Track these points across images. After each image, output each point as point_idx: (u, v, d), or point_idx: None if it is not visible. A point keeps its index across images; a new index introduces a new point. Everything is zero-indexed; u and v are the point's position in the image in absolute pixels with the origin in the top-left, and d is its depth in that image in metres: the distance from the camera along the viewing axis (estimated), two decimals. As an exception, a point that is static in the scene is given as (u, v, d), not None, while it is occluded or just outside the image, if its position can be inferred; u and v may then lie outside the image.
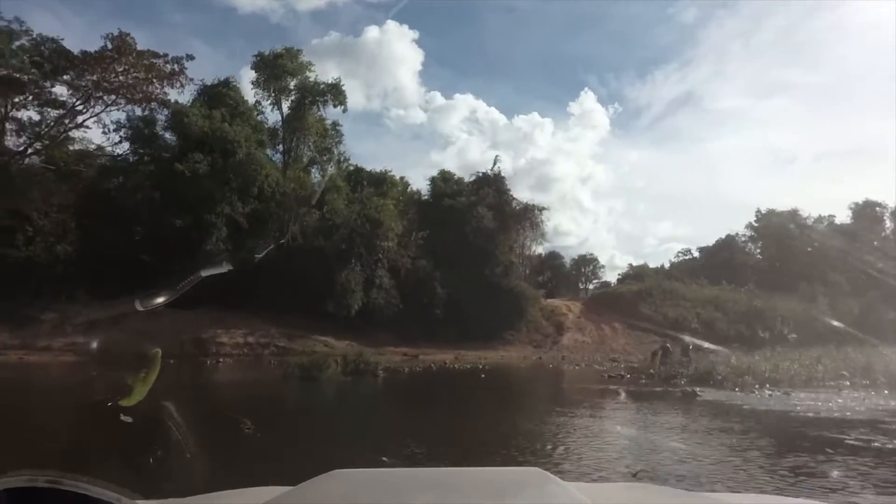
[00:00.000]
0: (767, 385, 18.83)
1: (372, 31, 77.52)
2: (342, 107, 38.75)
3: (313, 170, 38.38)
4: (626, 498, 1.95)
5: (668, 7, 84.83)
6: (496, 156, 47.66)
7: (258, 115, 38.79)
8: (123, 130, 33.27)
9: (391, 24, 73.63)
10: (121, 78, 33.72)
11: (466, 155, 76.73)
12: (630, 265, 67.47)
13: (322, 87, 37.99)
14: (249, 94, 37.77)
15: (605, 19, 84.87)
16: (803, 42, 78.64)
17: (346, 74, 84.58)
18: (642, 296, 49.40)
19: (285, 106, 38.29)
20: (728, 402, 15.09)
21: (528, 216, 45.27)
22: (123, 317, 31.10)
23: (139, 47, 32.53)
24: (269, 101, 38.34)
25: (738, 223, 67.65)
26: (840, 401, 15.49)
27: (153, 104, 34.35)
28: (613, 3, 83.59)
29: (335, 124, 39.43)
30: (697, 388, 17.65)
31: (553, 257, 66.25)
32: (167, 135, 33.52)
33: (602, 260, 72.27)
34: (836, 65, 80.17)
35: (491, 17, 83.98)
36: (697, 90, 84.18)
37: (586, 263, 70.70)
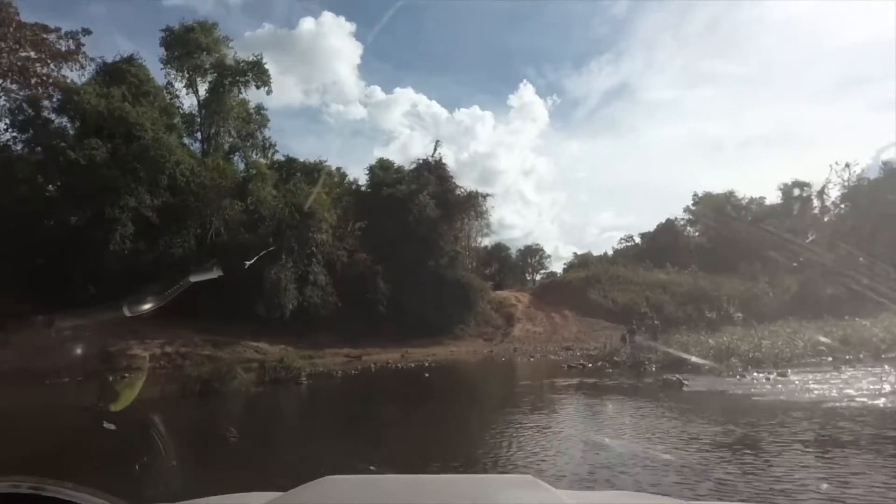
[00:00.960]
0: (751, 366, 16.68)
1: (307, 24, 75.42)
2: (266, 88, 34.76)
3: (236, 157, 34.16)
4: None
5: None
6: (436, 141, 44.57)
7: (171, 98, 34.23)
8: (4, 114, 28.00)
9: (327, 16, 70.43)
10: (3, 57, 28.64)
11: (409, 150, 74.22)
12: (575, 254, 67.04)
13: (242, 65, 33.84)
14: (160, 74, 33.16)
15: (542, 11, 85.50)
16: (728, 34, 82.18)
17: (283, 70, 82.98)
18: (590, 282, 47.73)
19: (202, 88, 33.94)
20: (727, 392, 12.66)
21: (473, 204, 42.46)
22: (16, 330, 26.43)
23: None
24: (183, 84, 33.87)
25: (674, 209, 68.36)
26: (846, 379, 13.34)
27: (49, 88, 29.39)
28: None
29: (259, 108, 35.36)
30: (678, 376, 15.14)
31: (499, 249, 64.19)
32: (60, 119, 28.46)
33: (547, 251, 71.05)
34: (758, 56, 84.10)
35: (429, 11, 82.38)
36: (631, 81, 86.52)
37: (532, 254, 69.13)
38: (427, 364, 24.30)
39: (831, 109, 79.22)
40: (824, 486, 5.15)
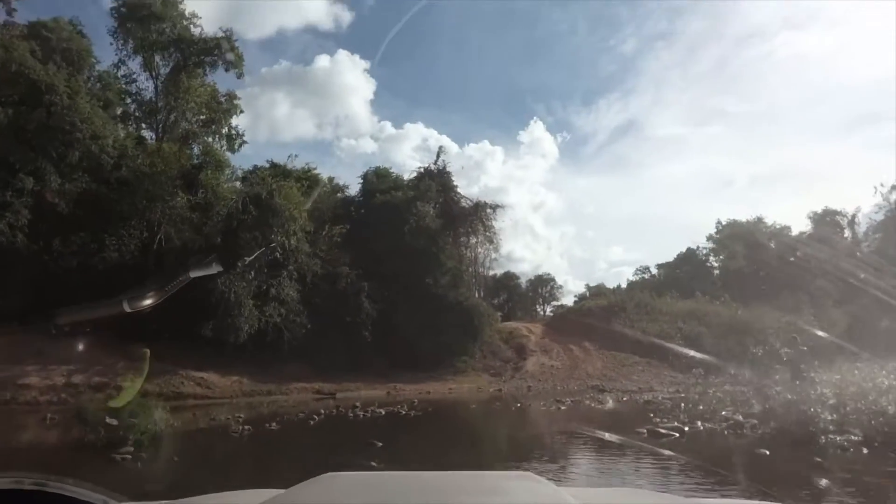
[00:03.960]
0: None
1: (323, 60, 70.88)
2: (237, 71, 27.69)
3: (195, 147, 26.76)
4: (615, 501, 1.81)
5: (609, 38, 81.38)
6: (440, 147, 37.14)
7: (124, 80, 27.34)
8: None
9: (342, 54, 68.60)
10: None
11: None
12: (587, 286, 59.39)
13: (210, 42, 26.89)
14: (109, 52, 26.30)
15: (552, 49, 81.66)
16: (736, 72, 77.03)
17: (297, 103, 79.16)
18: (613, 311, 39.37)
19: (162, 67, 26.97)
20: None
21: (480, 216, 34.67)
22: None
23: None
24: (138, 63, 26.96)
25: (683, 244, 63.04)
26: None
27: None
28: (559, 35, 79.84)
29: (231, 95, 28.27)
30: None
31: (509, 277, 56.34)
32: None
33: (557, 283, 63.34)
34: (766, 93, 79.80)
35: (443, 48, 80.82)
36: (639, 118, 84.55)
37: (543, 284, 61.11)
38: (407, 409, 16.06)
39: (839, 147, 73.80)
40: None
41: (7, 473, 1.08)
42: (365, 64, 72.22)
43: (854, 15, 69.09)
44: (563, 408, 16.81)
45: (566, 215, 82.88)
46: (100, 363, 21.50)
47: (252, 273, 23.12)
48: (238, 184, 26.30)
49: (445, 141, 78.26)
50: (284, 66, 70.73)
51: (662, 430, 11.17)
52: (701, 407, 13.92)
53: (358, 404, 17.01)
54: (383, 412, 15.64)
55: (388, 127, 76.89)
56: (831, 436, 9.33)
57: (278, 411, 17.19)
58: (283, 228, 22.63)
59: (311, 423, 13.86)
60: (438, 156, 35.98)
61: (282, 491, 1.55)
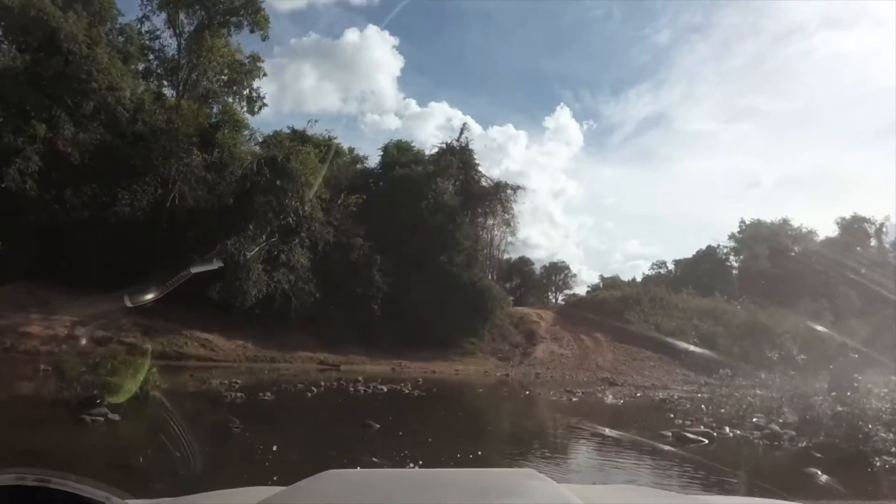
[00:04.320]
0: None
1: (352, 35, 70.12)
2: (262, 33, 26.87)
3: (214, 107, 26.07)
4: (617, 499, 1.83)
5: (644, 27, 78.33)
6: (464, 123, 36.14)
7: (150, 37, 26.66)
8: None
9: (372, 29, 65.58)
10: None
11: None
12: (601, 276, 58.11)
13: (236, 2, 26.05)
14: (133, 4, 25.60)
15: (583, 36, 78.73)
16: (772, 69, 73.34)
17: (323, 76, 78.33)
18: (628, 304, 38.24)
19: (187, 25, 26.25)
20: None
21: (500, 197, 33.72)
22: None
23: None
24: (162, 20, 26.27)
25: (703, 242, 61.58)
26: None
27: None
28: (591, 21, 76.64)
29: (255, 57, 27.44)
30: None
31: (524, 262, 55.24)
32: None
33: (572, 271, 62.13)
34: (800, 93, 75.72)
35: (472, 29, 78.34)
36: (668, 111, 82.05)
37: (557, 271, 59.84)
38: (411, 387, 15.30)
39: (872, 153, 71.04)
40: None
41: (10, 470, 1.08)
42: (394, 40, 71.22)
43: (896, 17, 66.31)
44: (574, 399, 15.89)
45: (586, 205, 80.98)
46: (103, 317, 21.22)
47: (264, 237, 22.54)
48: (256, 147, 25.63)
49: (470, 122, 76.97)
50: (313, 39, 69.69)
51: (690, 435, 9.96)
52: (723, 410, 12.96)
53: (360, 379, 16.42)
54: (385, 389, 14.98)
55: (412, 105, 75.84)
56: (885, 457, 8.15)
57: (279, 379, 16.67)
58: (298, 194, 21.98)
59: (309, 394, 13.22)
60: (462, 132, 35.07)
61: (283, 488, 1.55)
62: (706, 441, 9.87)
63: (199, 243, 21.52)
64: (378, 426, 8.89)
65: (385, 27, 67.09)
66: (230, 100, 26.16)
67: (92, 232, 22.31)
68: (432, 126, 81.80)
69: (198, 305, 22.70)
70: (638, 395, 17.97)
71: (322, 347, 24.86)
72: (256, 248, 21.90)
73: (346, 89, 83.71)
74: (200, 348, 22.16)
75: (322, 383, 15.22)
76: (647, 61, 79.92)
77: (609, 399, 15.99)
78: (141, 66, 27.25)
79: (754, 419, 11.53)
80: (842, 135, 75.61)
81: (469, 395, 17.51)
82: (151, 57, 26.52)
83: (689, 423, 11.61)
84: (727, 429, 10.87)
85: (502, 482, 1.73)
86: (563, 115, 77.61)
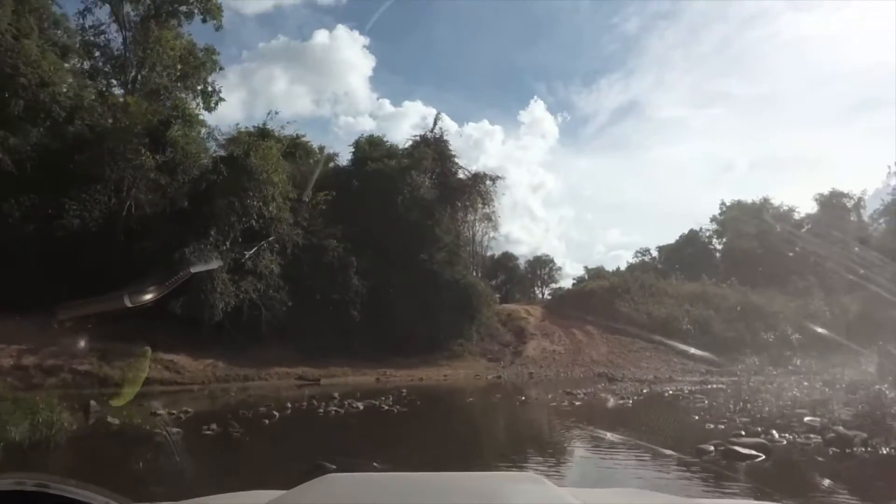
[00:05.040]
0: None
1: (321, 36, 69.28)
2: (215, 22, 24.70)
3: (167, 104, 23.75)
4: (618, 502, 1.78)
5: (612, 16, 78.17)
6: (437, 113, 34.20)
7: (94, 32, 24.30)
8: None
9: (341, 29, 64.70)
10: None
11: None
12: (586, 268, 56.83)
13: (183, -11, 23.84)
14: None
15: (553, 28, 77.95)
16: (739, 53, 74.51)
17: (294, 80, 76.64)
18: (617, 293, 36.82)
19: (134, 17, 23.96)
20: None
21: (478, 189, 31.97)
22: None
23: None
24: (106, 13, 23.92)
25: (683, 227, 61.90)
26: None
27: None
28: (560, 12, 76.19)
29: (210, 50, 25.24)
30: None
31: (507, 258, 53.64)
32: None
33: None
34: (769, 76, 77.41)
35: (443, 25, 77.09)
36: (640, 99, 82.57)
37: (542, 265, 58.26)
38: (388, 405, 13.12)
39: (841, 132, 71.54)
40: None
41: (9, 475, 1.05)
42: (364, 40, 69.51)
43: (859, -3, 66.28)
44: (577, 403, 14.02)
45: (565, 197, 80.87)
46: (54, 343, 18.94)
47: (228, 243, 20.44)
48: (213, 145, 23.51)
49: (445, 120, 75.08)
50: (282, 42, 68.29)
51: (740, 450, 7.74)
52: (749, 406, 11.13)
53: (336, 396, 14.43)
54: (361, 407, 13.02)
55: (386, 105, 74.32)
56: None
57: (245, 402, 14.67)
58: (260, 193, 19.89)
59: (267, 422, 11.08)
60: (436, 122, 33.22)
61: (283, 492, 1.51)
62: (761, 456, 7.76)
63: (157, 255, 19.33)
64: (334, 468, 6.49)
65: (366, 33, 65.66)
66: (183, 95, 23.97)
67: (38, 248, 20.02)
68: (407, 125, 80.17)
69: (163, 323, 20.48)
70: (644, 391, 16.33)
71: (301, 361, 22.84)
72: (220, 256, 19.77)
73: (319, 92, 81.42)
74: (165, 371, 19.96)
75: (289, 405, 13.22)
76: (617, 50, 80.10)
77: (616, 400, 14.22)
78: (87, 65, 24.91)
79: (806, 419, 9.51)
80: (812, 114, 76.66)
81: (458, 407, 15.59)
82: (98, 54, 24.20)
83: (719, 425, 9.73)
84: (775, 433, 8.86)
85: (503, 486, 1.71)
86: (537, 109, 76.52)
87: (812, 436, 8.69)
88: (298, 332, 22.92)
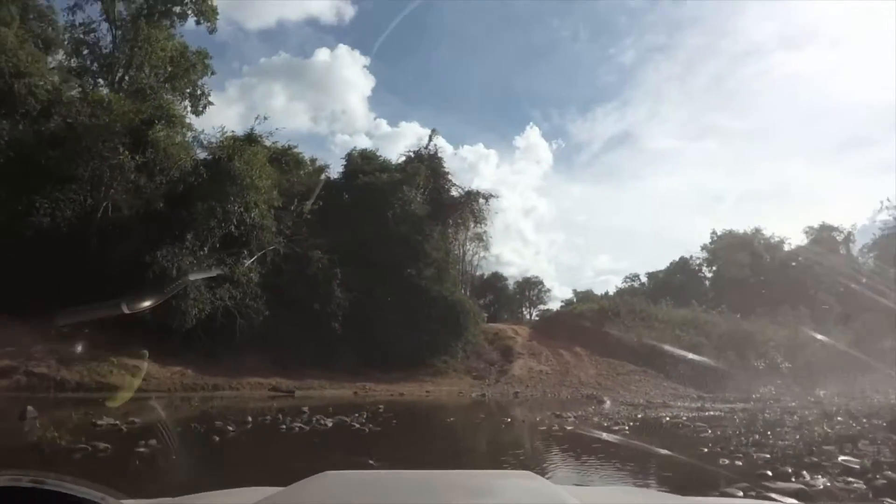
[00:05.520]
0: None
1: (322, 54, 69.23)
2: (209, 25, 24.23)
3: (152, 104, 23.00)
4: (612, 499, 1.80)
5: (609, 47, 79.37)
6: (432, 129, 33.69)
7: (85, 30, 23.69)
8: None
9: (343, 49, 65.55)
10: None
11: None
12: (575, 291, 56.87)
13: (177, -11, 23.37)
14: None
15: (551, 57, 79.50)
16: (732, 89, 75.50)
17: (293, 96, 76.70)
18: (607, 316, 36.06)
19: (126, 16, 23.38)
20: None
21: (471, 207, 31.35)
22: None
23: None
24: (97, 11, 23.38)
25: (672, 256, 61.87)
26: None
27: None
28: (559, 42, 77.55)
29: (202, 53, 24.69)
30: None
31: (497, 278, 53.08)
32: None
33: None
34: (761, 112, 77.61)
35: (443, 49, 78.32)
36: (634, 129, 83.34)
37: (531, 286, 57.77)
38: (360, 423, 11.92)
39: (831, 169, 73.07)
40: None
41: (4, 471, 1.04)
42: (364, 60, 69.93)
43: (850, 38, 67.51)
44: (567, 427, 12.77)
45: (557, 222, 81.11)
46: (10, 343, 17.85)
47: (205, 249, 19.53)
48: (198, 149, 22.77)
49: (440, 142, 75.35)
50: (283, 58, 68.39)
51: (781, 499, 5.38)
52: (761, 437, 9.78)
53: (305, 410, 13.39)
54: (330, 424, 11.88)
55: (383, 125, 74.68)
56: None
57: (207, 412, 13.62)
58: (243, 199, 19.08)
59: (217, 438, 9.85)
60: (430, 139, 32.75)
61: (281, 489, 1.50)
62: (802, 505, 6.18)
63: (129, 257, 18.41)
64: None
65: (373, 55, 66.03)
66: (170, 97, 23.28)
67: (6, 245, 19.08)
68: (403, 146, 79.90)
69: (133, 329, 19.44)
70: (638, 415, 15.30)
71: (276, 372, 21.82)
72: (195, 262, 18.85)
73: (317, 109, 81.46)
74: (130, 378, 18.85)
75: (251, 419, 12.16)
76: (613, 81, 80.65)
77: (608, 424, 13.10)
78: (74, 63, 24.24)
79: (840, 458, 7.88)
80: (801, 150, 78.42)
81: (437, 427, 14.45)
82: (86, 52, 23.56)
83: (738, 461, 8.33)
84: (807, 475, 7.14)
85: (499, 483, 1.72)
86: (532, 135, 77.12)
87: (851, 479, 7.04)
88: (276, 343, 21.93)
